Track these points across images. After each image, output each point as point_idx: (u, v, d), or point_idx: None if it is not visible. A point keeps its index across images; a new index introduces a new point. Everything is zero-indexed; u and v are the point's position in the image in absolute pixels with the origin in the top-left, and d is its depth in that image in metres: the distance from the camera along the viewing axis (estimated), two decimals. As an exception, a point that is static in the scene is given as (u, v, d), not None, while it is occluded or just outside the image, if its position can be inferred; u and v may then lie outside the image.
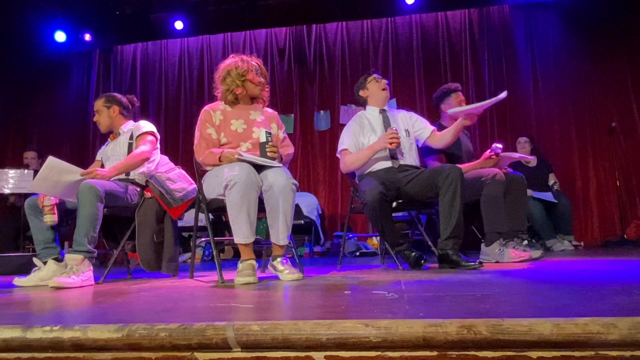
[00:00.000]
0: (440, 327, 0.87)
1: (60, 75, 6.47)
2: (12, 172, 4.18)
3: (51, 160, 2.42)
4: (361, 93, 2.95)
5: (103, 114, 2.84)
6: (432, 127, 2.91)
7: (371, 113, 2.90)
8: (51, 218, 2.47)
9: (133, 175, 2.73)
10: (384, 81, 2.92)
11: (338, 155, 2.89)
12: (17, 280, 2.47)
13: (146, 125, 2.82)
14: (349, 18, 6.01)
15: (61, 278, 2.22)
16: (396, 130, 2.62)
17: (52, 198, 2.50)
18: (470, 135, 3.48)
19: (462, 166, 2.72)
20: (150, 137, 2.78)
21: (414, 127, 2.90)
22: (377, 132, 2.79)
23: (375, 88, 2.89)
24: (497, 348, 0.86)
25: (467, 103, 3.08)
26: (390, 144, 2.58)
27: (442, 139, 2.81)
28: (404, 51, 5.94)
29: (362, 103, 2.98)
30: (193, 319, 1.01)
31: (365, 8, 5.89)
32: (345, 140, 2.83)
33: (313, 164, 6.00)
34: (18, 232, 4.10)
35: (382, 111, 2.88)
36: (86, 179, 2.41)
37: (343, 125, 5.85)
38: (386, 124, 2.81)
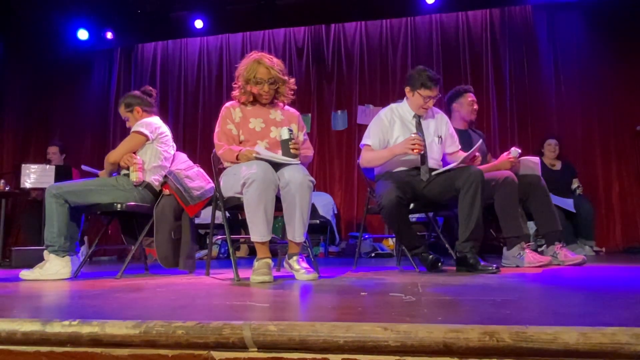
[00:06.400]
0: (462, 332, 0.85)
1: (82, 73, 6.57)
2: (34, 167, 4.26)
3: None
4: (406, 89, 2.73)
5: (131, 119, 2.86)
6: (457, 148, 2.84)
7: (405, 111, 2.76)
8: (136, 175, 2.59)
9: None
10: (429, 106, 2.71)
11: (361, 146, 2.80)
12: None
13: (139, 125, 2.75)
14: (368, 17, 5.98)
15: (25, 270, 2.51)
16: (418, 134, 2.54)
17: (138, 157, 2.64)
18: (486, 136, 3.41)
19: (479, 167, 2.67)
20: (133, 138, 2.71)
21: (445, 136, 2.80)
22: (407, 133, 2.65)
23: (419, 102, 2.69)
24: (520, 356, 0.84)
25: (479, 104, 3.02)
26: (412, 150, 2.48)
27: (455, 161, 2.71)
28: (424, 51, 5.87)
29: (406, 89, 2.74)
30: (210, 317, 1.00)
31: (385, 7, 5.85)
32: (371, 136, 2.72)
33: (329, 164, 5.99)
34: (40, 226, 4.17)
35: (417, 116, 2.75)
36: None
37: (360, 126, 5.94)
38: (418, 128, 2.70)
